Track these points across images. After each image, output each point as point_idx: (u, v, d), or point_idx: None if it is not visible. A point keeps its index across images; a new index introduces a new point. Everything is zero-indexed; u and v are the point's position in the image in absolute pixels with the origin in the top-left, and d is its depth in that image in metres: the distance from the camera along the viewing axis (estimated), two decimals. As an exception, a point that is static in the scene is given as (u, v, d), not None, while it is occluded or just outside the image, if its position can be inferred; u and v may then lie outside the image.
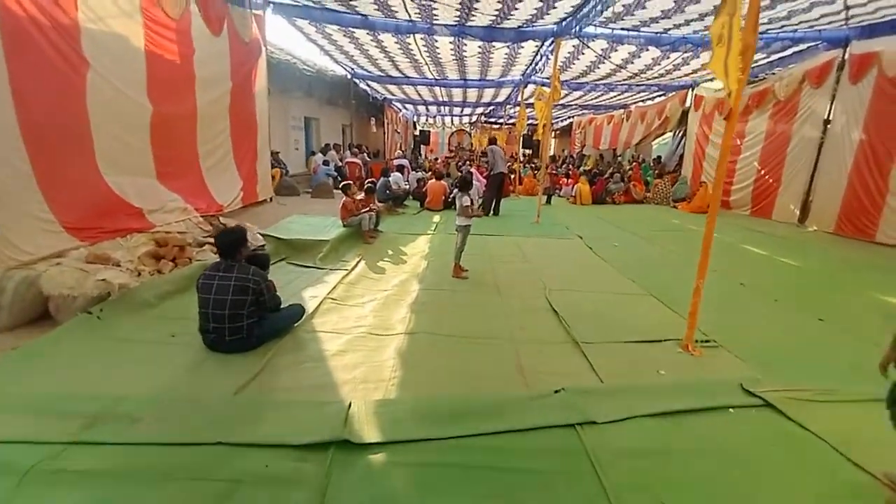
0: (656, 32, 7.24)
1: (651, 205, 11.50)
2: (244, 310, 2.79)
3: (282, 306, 3.18)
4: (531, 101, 14.13)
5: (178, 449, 1.93)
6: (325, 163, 10.90)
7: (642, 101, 15.36)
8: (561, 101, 16.03)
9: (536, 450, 2.03)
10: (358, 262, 5.08)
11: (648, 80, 10.54)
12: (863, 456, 2.01)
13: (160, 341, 2.97)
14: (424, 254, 5.60)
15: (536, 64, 9.47)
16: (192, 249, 4.37)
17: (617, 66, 8.96)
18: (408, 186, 9.87)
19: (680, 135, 15.42)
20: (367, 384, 2.58)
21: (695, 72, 9.81)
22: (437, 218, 8.54)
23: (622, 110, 17.23)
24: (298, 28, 7.91)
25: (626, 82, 11.62)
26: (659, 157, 16.50)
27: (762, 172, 9.12)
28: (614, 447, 2.05)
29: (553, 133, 27.62)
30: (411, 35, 7.54)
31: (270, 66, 7.82)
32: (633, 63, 8.72)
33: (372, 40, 8.31)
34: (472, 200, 4.60)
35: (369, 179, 6.79)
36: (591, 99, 15.29)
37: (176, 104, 4.93)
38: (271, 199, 7.82)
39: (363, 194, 6.48)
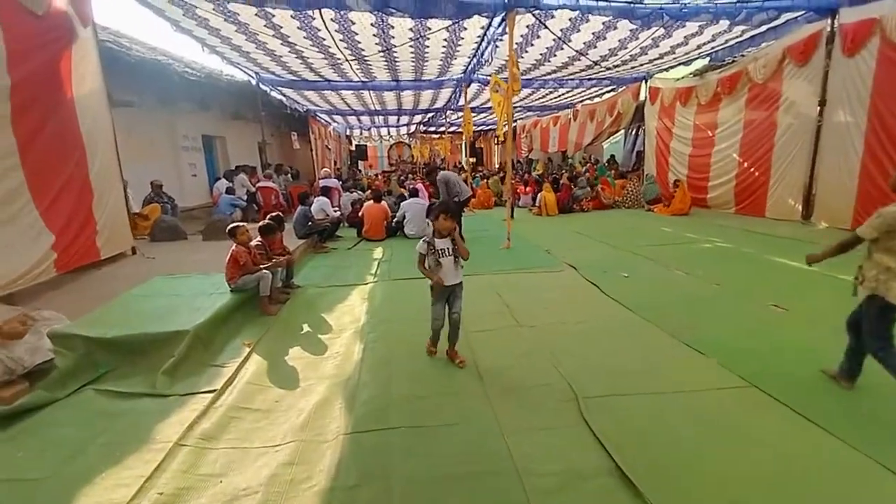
0: (629, 2, 5.85)
1: (622, 209, 10.27)
2: None
3: None
4: (474, 102, 12.57)
5: None
6: (230, 190, 8.55)
7: (589, 98, 14.40)
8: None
9: None
10: (243, 361, 3.00)
11: (606, 70, 9.30)
12: None
13: None
14: (360, 327, 3.61)
15: (482, 54, 7.85)
16: None
17: (577, 52, 7.55)
18: (338, 213, 7.81)
19: (634, 131, 14.66)
20: None
21: (660, 57, 8.68)
22: (378, 252, 6.55)
23: (568, 110, 16.27)
24: (157, 10, 5.68)
25: (577, 76, 10.37)
26: (613, 157, 15.66)
27: (745, 165, 8.08)
28: None
29: (495, 140, 26.63)
30: (316, 12, 5.56)
31: (117, 62, 5.51)
32: (595, 47, 7.34)
33: (266, 26, 6.24)
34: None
35: (272, 215, 4.68)
36: (536, 99, 14.08)
37: None
38: (134, 252, 5.45)
39: (270, 237, 4.38)
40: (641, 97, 11.66)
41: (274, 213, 4.73)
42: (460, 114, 17.45)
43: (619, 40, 7.14)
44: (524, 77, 10.58)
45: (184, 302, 3.65)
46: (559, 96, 13.79)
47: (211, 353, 3.08)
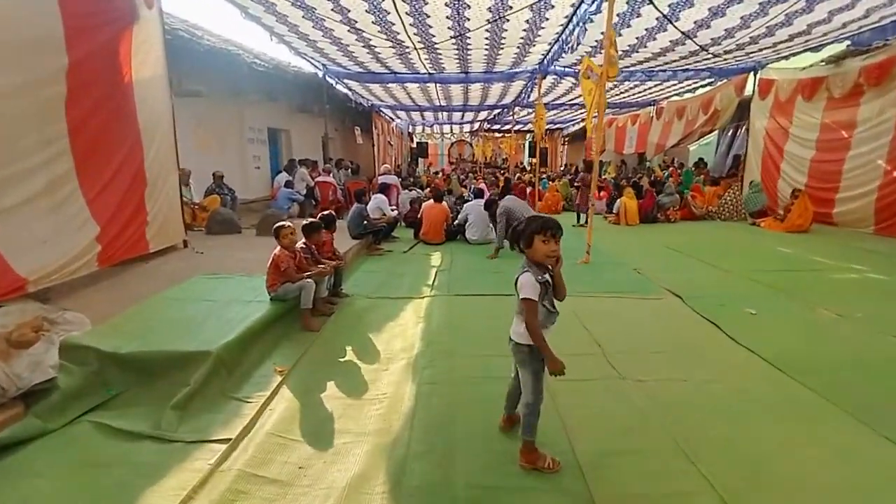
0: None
1: (717, 221, 8.82)
2: None
3: None
4: (546, 98, 11.52)
5: None
6: (289, 184, 8.33)
7: (677, 94, 12.81)
8: (572, 101, 13.55)
9: None
10: (270, 396, 2.42)
11: (712, 57, 7.94)
12: None
13: None
14: (413, 357, 2.92)
15: (568, 37, 6.90)
16: None
17: (683, 34, 6.38)
18: (396, 213, 7.27)
19: (731, 132, 12.87)
20: None
21: (775, 46, 7.23)
22: (436, 258, 5.89)
23: (650, 108, 14.70)
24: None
25: (672, 66, 9.06)
26: (701, 160, 13.86)
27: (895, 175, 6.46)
28: None
29: (563, 140, 25.14)
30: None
31: (188, 50, 5.31)
32: (709, 27, 6.12)
33: (333, 10, 5.78)
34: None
35: (323, 212, 4.15)
36: (616, 95, 12.73)
37: None
38: (185, 245, 5.20)
39: (314, 237, 3.85)
40: (747, 91, 10.03)
41: (325, 212, 4.20)
42: (528, 111, 16.54)
43: (742, 17, 5.88)
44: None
45: (217, 309, 3.19)
46: (642, 92, 12.39)
47: (234, 381, 2.54)
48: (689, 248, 6.25)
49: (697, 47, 7.16)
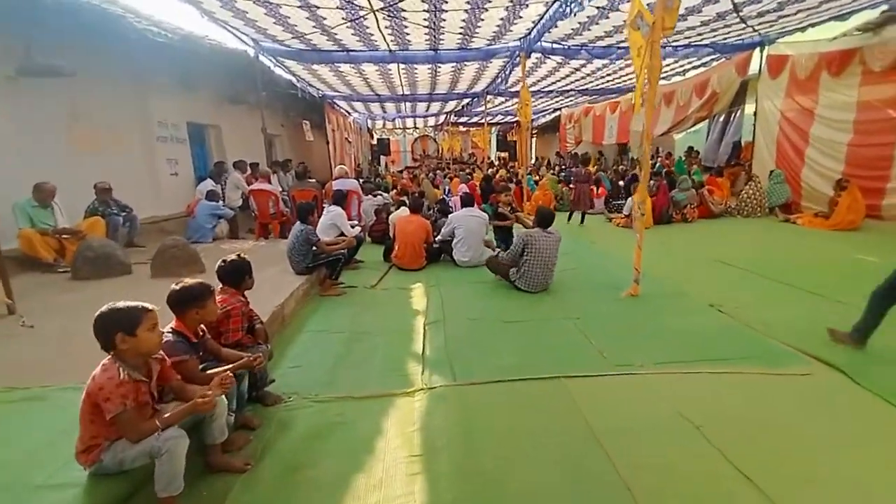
0: None
1: (738, 218, 7.60)
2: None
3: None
4: (516, 86, 9.92)
5: None
6: (212, 195, 6.30)
7: (664, 77, 11.64)
8: (549, 87, 12.14)
9: None
10: None
11: (706, 33, 6.66)
12: None
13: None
14: None
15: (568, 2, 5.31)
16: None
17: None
18: (358, 229, 5.45)
19: (722, 117, 11.83)
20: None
21: (785, 17, 5.99)
22: (419, 298, 4.15)
23: (632, 94, 13.54)
24: None
25: (674, 42, 7.75)
26: (691, 148, 12.80)
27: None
28: None
29: (531, 133, 23.80)
30: None
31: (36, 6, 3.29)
32: (713, 2, 4.74)
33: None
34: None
35: (226, 261, 2.32)
36: (591, 81, 11.43)
37: None
38: (10, 311, 3.18)
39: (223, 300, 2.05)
40: (750, 71, 8.91)
41: (233, 259, 2.37)
42: (502, 100, 14.98)
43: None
44: (592, 46, 8.04)
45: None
46: (622, 77, 11.13)
47: None
48: (740, 259, 4.86)
49: (706, 19, 5.78)
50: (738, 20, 6.26)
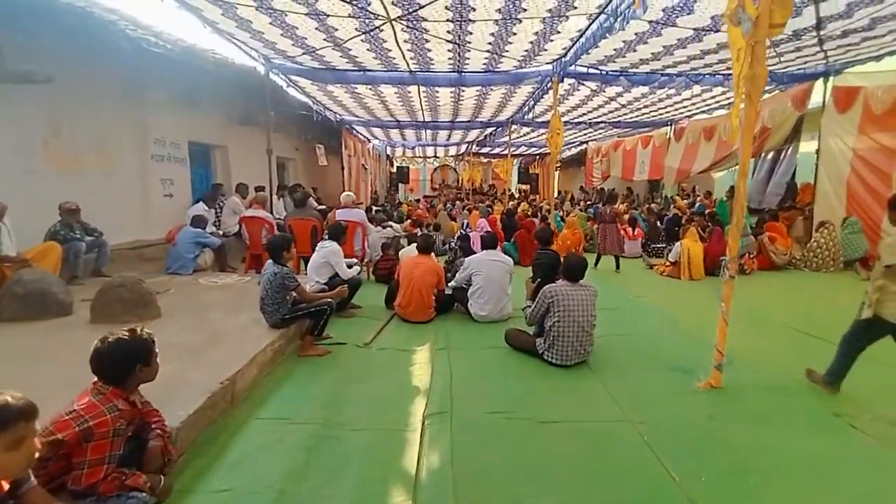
0: None
1: (805, 271, 6.46)
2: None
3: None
4: (545, 117, 9.15)
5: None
6: (197, 221, 5.57)
7: (706, 111, 10.77)
8: (578, 118, 11.33)
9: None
10: None
11: (778, 56, 5.79)
12: None
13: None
14: None
15: (612, 13, 4.54)
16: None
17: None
18: (357, 269, 4.57)
19: (771, 154, 10.79)
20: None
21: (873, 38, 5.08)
22: (422, 367, 3.19)
23: (665, 128, 12.71)
24: None
25: (724, 71, 6.93)
26: (733, 188, 11.73)
27: None
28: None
29: (555, 166, 22.96)
30: None
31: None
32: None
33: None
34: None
35: (135, 335, 1.47)
36: (625, 113, 10.58)
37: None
38: None
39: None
40: (810, 104, 7.96)
41: (114, 338, 1.49)
42: (525, 130, 14.29)
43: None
44: (634, 72, 7.23)
45: None
46: (658, 108, 10.23)
47: None
48: (834, 332, 3.76)
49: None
50: (810, 42, 5.39)
